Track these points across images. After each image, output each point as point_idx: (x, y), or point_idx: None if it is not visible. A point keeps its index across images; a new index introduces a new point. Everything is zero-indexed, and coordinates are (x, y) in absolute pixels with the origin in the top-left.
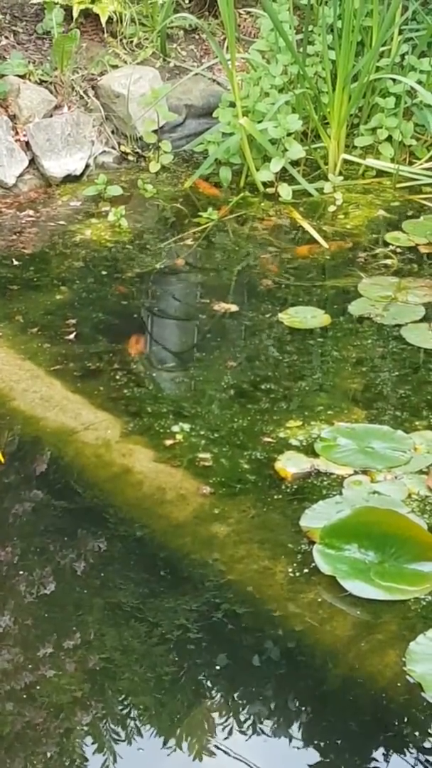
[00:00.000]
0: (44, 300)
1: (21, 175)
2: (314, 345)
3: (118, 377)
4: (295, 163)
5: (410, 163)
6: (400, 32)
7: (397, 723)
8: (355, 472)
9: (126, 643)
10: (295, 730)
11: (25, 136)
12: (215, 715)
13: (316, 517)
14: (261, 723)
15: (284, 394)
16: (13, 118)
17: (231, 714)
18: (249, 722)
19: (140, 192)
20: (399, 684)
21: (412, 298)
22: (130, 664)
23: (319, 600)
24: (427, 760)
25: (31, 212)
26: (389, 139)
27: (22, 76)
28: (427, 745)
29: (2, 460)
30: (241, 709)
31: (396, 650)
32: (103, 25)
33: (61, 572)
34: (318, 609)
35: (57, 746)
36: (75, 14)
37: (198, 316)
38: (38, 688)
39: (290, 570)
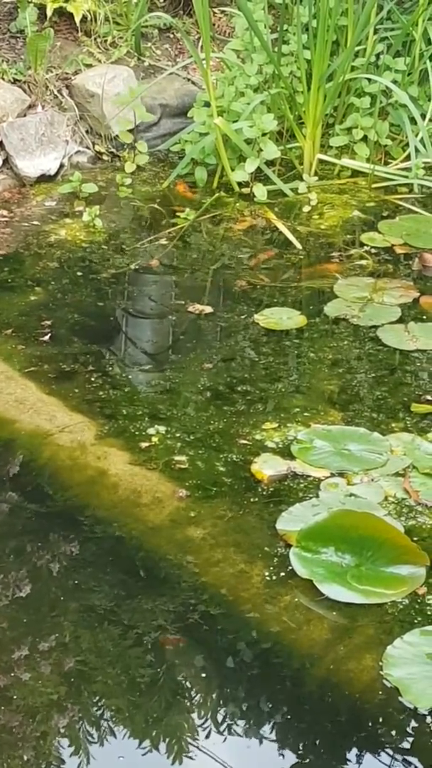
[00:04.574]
0: (18, 301)
1: None
2: (290, 346)
3: (93, 379)
4: (270, 163)
5: (386, 163)
6: (376, 32)
7: (373, 726)
8: (332, 475)
9: (101, 645)
10: (272, 732)
11: None
12: (192, 716)
13: (292, 520)
14: (237, 725)
15: (260, 396)
16: None
17: (208, 716)
18: (225, 724)
19: (115, 192)
20: (376, 688)
21: (388, 299)
22: (106, 666)
23: (296, 602)
24: (405, 760)
25: (4, 212)
26: (364, 139)
27: None
28: (405, 746)
29: None
30: (217, 711)
31: (373, 654)
32: (77, 23)
33: (36, 575)
34: (295, 612)
35: (33, 749)
36: (49, 13)
37: (172, 318)
38: (13, 691)
39: (267, 573)
